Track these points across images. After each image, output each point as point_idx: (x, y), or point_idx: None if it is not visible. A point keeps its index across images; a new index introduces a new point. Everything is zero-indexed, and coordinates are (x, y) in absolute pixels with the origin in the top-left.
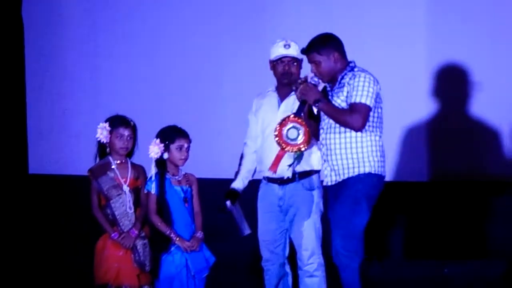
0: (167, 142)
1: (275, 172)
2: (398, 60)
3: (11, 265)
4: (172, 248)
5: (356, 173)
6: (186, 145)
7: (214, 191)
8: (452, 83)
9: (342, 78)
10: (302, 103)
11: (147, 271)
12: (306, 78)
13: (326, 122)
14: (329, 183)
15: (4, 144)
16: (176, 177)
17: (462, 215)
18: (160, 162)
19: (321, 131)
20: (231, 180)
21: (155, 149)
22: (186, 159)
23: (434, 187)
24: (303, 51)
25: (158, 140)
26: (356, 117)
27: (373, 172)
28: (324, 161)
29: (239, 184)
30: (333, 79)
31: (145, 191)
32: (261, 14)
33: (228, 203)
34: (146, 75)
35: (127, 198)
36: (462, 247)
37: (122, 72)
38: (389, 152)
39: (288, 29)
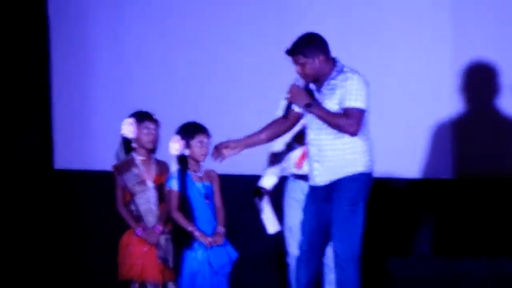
0: (187, 138)
1: (300, 168)
2: (424, 58)
3: (37, 259)
4: (195, 245)
5: (350, 173)
6: (206, 141)
7: (236, 187)
8: (478, 81)
9: (332, 79)
10: (289, 104)
11: (171, 267)
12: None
13: (316, 122)
14: (321, 183)
15: (30, 139)
16: (197, 173)
17: (488, 212)
18: (181, 159)
19: (309, 130)
20: (254, 177)
21: (175, 146)
22: (206, 154)
23: (460, 184)
24: (288, 53)
25: (178, 137)
26: (351, 122)
27: (365, 171)
28: (315, 161)
29: (267, 181)
30: (317, 80)
31: (167, 188)
32: (283, 7)
33: (256, 200)
34: (169, 72)
35: (152, 194)
36: (488, 244)
37: (147, 68)
38: (415, 150)
39: (308, 27)
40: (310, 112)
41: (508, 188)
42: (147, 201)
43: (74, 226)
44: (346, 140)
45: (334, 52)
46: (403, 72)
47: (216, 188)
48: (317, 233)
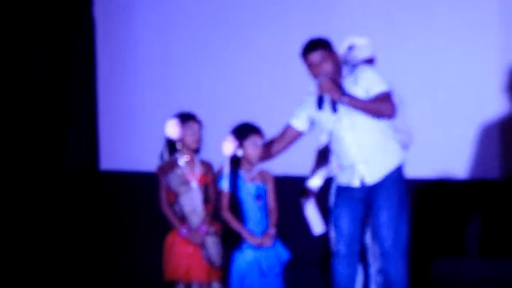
0: (240, 139)
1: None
2: (471, 58)
3: (83, 261)
4: (244, 245)
5: (393, 168)
6: (259, 142)
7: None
8: None
9: (347, 76)
10: (320, 98)
11: (217, 267)
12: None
13: (350, 124)
14: (369, 184)
15: (76, 141)
16: (250, 174)
17: None
18: (234, 159)
19: (339, 134)
20: (303, 178)
21: (228, 146)
22: (259, 155)
23: (508, 185)
24: (309, 49)
25: (231, 137)
26: (388, 104)
27: (401, 162)
28: (359, 162)
29: (314, 181)
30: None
31: (218, 189)
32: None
33: (301, 200)
34: (216, 73)
35: (196, 194)
36: None
37: (194, 69)
38: (463, 150)
39: (348, 28)
40: (345, 102)
41: None
42: (191, 202)
43: (120, 227)
44: (383, 131)
45: (378, 52)
46: (450, 73)
47: (270, 189)
48: (355, 236)
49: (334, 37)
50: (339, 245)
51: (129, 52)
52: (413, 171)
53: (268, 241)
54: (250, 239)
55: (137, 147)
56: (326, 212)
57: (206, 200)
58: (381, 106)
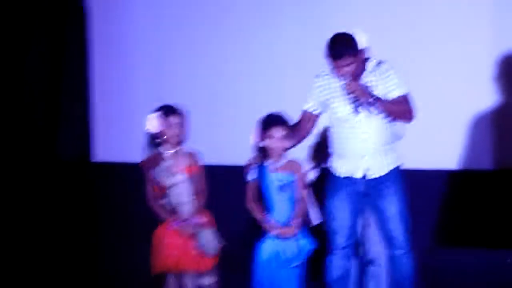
0: (264, 130)
1: None
2: (463, 50)
3: (75, 252)
4: (267, 236)
5: (397, 164)
6: (282, 133)
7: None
8: None
9: (369, 74)
10: (355, 102)
11: (209, 257)
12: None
13: (363, 117)
14: (373, 177)
15: (68, 133)
16: (276, 164)
17: None
18: (261, 149)
19: (357, 125)
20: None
21: (252, 137)
22: (282, 147)
23: (499, 176)
24: (337, 56)
25: (257, 128)
26: (408, 108)
27: (401, 161)
28: (365, 155)
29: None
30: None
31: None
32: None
33: None
34: (208, 65)
35: (184, 186)
36: None
37: (187, 61)
38: (455, 141)
39: (344, 21)
40: (375, 105)
41: None
42: (179, 194)
43: (111, 219)
44: (389, 129)
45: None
46: (442, 65)
47: (298, 179)
48: (354, 228)
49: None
50: (338, 237)
51: (122, 44)
52: (405, 162)
53: (289, 232)
54: (271, 229)
55: (129, 139)
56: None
57: (195, 190)
58: (404, 111)
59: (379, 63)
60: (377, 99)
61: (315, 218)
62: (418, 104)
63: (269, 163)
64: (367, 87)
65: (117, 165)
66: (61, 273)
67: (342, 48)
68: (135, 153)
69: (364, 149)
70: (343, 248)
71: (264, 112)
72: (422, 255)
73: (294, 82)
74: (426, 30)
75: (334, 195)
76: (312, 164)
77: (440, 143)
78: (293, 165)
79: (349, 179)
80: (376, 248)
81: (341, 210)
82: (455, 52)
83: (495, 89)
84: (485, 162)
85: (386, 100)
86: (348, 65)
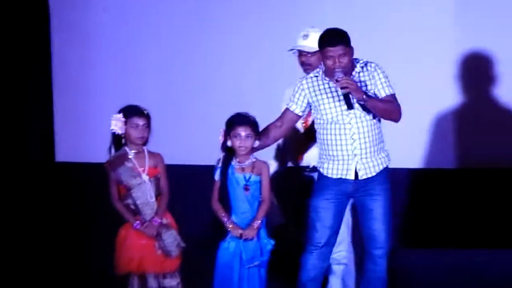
0: (228, 130)
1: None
2: (426, 47)
3: (38, 253)
4: (228, 236)
5: (386, 165)
6: (244, 133)
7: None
8: (480, 71)
9: (358, 72)
10: (346, 96)
11: (172, 258)
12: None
13: (354, 117)
14: (363, 178)
15: (31, 133)
16: (241, 164)
17: (490, 202)
18: (227, 150)
19: (348, 126)
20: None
21: (219, 137)
22: (245, 147)
23: (462, 174)
24: (332, 43)
25: (222, 128)
26: (398, 108)
27: (390, 160)
28: (355, 155)
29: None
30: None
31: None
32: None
33: None
34: (173, 65)
35: (148, 187)
36: (490, 235)
37: (149, 61)
38: (418, 139)
39: (309, 19)
40: (367, 102)
41: (510, 178)
42: (143, 194)
43: (76, 219)
44: (379, 130)
45: None
46: (405, 62)
47: (263, 179)
48: (336, 229)
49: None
50: (318, 235)
51: (86, 44)
52: None
53: (250, 233)
54: (232, 230)
55: (93, 138)
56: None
57: (158, 192)
58: (393, 110)
59: (367, 63)
60: (369, 96)
61: (277, 220)
62: None
63: (235, 163)
64: (358, 84)
65: (81, 165)
66: (26, 273)
67: (337, 37)
68: (99, 153)
69: (354, 150)
70: (321, 246)
71: (232, 112)
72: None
73: (264, 83)
74: (388, 29)
75: (321, 194)
76: (277, 164)
77: (402, 142)
78: (259, 166)
79: (338, 181)
80: (344, 247)
81: (326, 210)
82: (417, 51)
83: (457, 88)
84: (447, 161)
85: (377, 98)
86: (343, 55)
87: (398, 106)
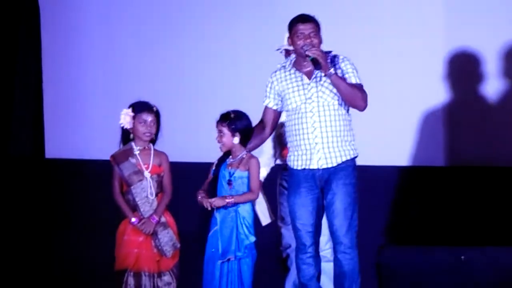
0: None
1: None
2: (415, 45)
3: (28, 249)
4: (212, 229)
5: (350, 157)
6: (224, 131)
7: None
8: (469, 69)
9: (332, 60)
10: (315, 60)
11: (167, 257)
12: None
13: (317, 105)
14: (322, 167)
15: (21, 129)
16: (231, 160)
17: (479, 200)
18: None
19: (304, 115)
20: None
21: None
22: (223, 143)
23: (451, 172)
24: (305, 18)
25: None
26: (366, 96)
27: (356, 155)
28: (316, 144)
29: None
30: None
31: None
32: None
33: None
34: (167, 59)
35: (148, 184)
36: (479, 233)
37: (141, 57)
38: (407, 137)
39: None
40: (332, 76)
41: (500, 176)
42: (143, 191)
43: (65, 216)
44: (345, 122)
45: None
46: (394, 59)
47: (251, 173)
48: (318, 226)
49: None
50: (302, 236)
51: (76, 40)
52: (358, 159)
53: (218, 202)
54: (201, 200)
55: (83, 135)
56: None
57: (159, 190)
58: (358, 96)
59: (336, 55)
60: (336, 73)
61: (266, 218)
62: (370, 100)
63: (229, 159)
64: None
65: (71, 162)
66: (15, 272)
67: (308, 16)
68: (89, 150)
69: (315, 139)
70: (309, 245)
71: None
72: (374, 253)
73: (256, 80)
74: (376, 26)
75: (294, 192)
76: (270, 162)
77: (392, 139)
78: (247, 162)
79: (304, 171)
80: (331, 245)
81: (302, 207)
82: (406, 48)
83: (446, 86)
84: (437, 159)
85: (343, 78)
86: (314, 34)
87: (364, 94)
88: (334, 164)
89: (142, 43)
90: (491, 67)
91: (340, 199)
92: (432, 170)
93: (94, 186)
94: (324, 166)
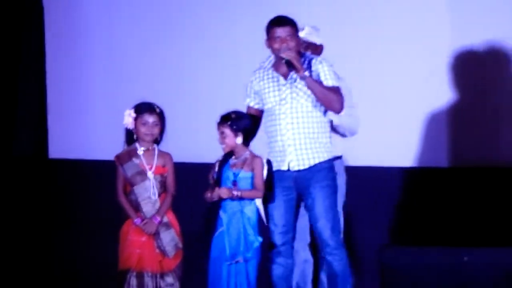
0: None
1: None
2: (418, 46)
3: (32, 250)
4: (217, 231)
5: (326, 158)
6: (226, 132)
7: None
8: (472, 70)
9: (309, 62)
10: (289, 62)
11: (169, 257)
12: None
13: (291, 106)
14: (295, 169)
15: (24, 129)
16: (236, 160)
17: (482, 201)
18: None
19: (279, 116)
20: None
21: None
22: (226, 144)
23: (454, 173)
24: (281, 22)
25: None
26: (340, 98)
27: (334, 157)
28: (289, 145)
29: None
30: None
31: None
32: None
33: None
34: (166, 61)
35: (151, 184)
36: (482, 234)
37: (144, 57)
38: (410, 138)
39: (302, 17)
40: (306, 79)
41: (503, 177)
42: (145, 191)
43: (68, 216)
44: (319, 124)
45: (327, 42)
46: (398, 61)
47: (256, 175)
48: (293, 224)
49: None
50: (274, 235)
51: (80, 40)
52: (362, 160)
53: (223, 192)
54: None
55: (87, 135)
56: None
57: (162, 190)
58: (333, 98)
59: (313, 58)
60: (310, 75)
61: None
62: (374, 102)
63: (232, 159)
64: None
65: (74, 162)
66: (19, 273)
67: (285, 19)
68: (92, 150)
69: (288, 140)
70: (279, 245)
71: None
72: (377, 253)
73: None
74: (380, 27)
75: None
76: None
77: (395, 141)
78: (251, 162)
79: (280, 175)
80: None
81: (276, 208)
82: (410, 49)
83: (450, 86)
84: (440, 160)
85: (318, 80)
86: (290, 38)
87: (340, 97)
88: (306, 166)
89: (146, 44)
90: (495, 68)
91: (319, 202)
92: (435, 171)
93: (98, 186)
94: (296, 168)
